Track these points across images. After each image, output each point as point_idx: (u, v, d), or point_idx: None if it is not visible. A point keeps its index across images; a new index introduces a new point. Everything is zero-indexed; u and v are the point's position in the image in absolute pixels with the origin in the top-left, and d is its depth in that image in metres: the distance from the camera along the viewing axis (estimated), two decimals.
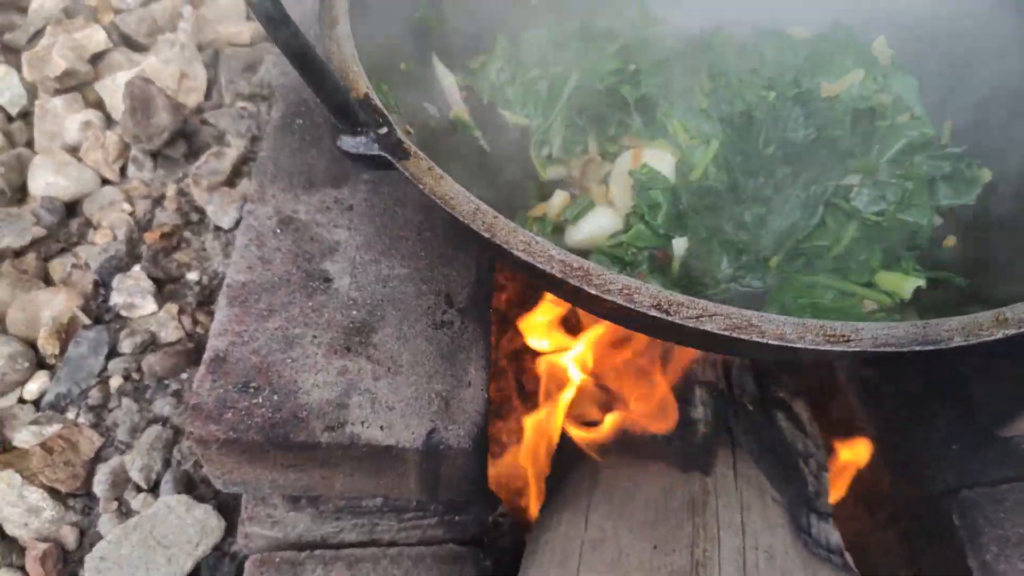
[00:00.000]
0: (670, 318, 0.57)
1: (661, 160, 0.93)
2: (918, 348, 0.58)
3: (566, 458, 1.05)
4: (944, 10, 1.00)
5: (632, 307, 0.58)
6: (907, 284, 0.84)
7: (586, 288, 0.58)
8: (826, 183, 0.93)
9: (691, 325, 0.57)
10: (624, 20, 1.05)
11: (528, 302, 1.35)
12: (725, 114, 0.97)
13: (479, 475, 0.81)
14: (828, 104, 0.96)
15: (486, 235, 0.60)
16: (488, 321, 0.84)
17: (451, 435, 0.74)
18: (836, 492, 1.15)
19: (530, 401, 1.40)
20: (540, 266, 0.59)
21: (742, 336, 0.57)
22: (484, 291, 0.86)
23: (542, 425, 1.24)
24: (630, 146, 0.95)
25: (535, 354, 1.33)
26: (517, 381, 1.45)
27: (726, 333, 0.57)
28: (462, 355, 0.79)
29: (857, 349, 0.57)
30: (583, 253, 0.87)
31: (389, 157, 0.64)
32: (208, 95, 1.44)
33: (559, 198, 0.93)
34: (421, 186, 0.62)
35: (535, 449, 1.25)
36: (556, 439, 1.12)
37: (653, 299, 0.58)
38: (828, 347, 0.57)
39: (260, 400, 0.73)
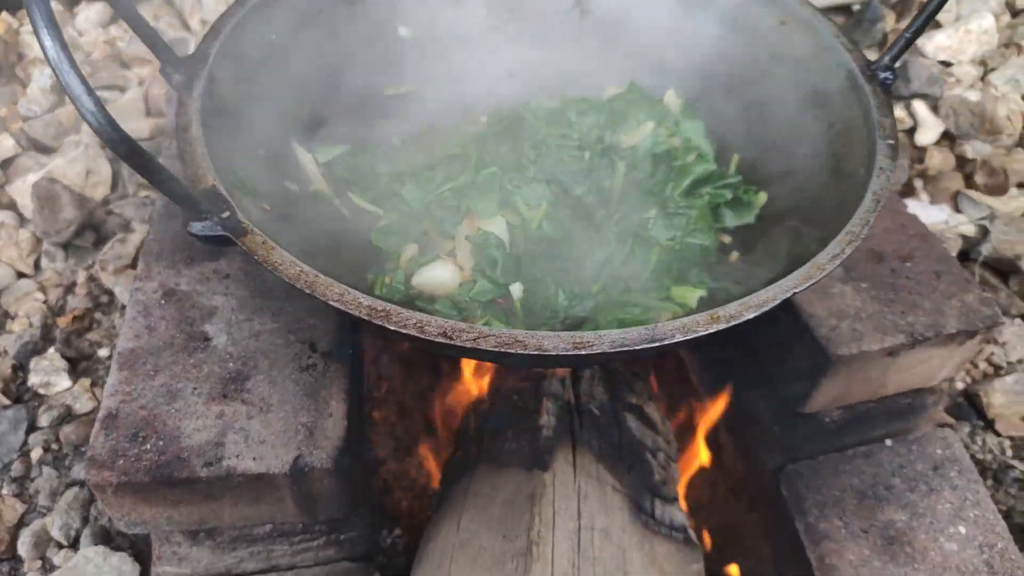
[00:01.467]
0: (454, 342, 0.73)
1: (494, 224, 1.10)
2: (647, 346, 0.74)
3: (449, 476, 1.20)
4: (724, 66, 1.21)
5: (424, 337, 0.73)
6: (693, 295, 1.02)
7: (388, 326, 0.74)
8: (632, 219, 1.12)
9: (470, 346, 0.73)
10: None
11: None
12: (550, 175, 1.15)
13: (349, 492, 0.95)
14: (629, 153, 1.16)
15: (308, 291, 0.75)
16: (348, 360, 0.99)
17: (315, 458, 0.88)
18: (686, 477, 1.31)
19: (432, 435, 1.55)
20: (352, 311, 0.75)
21: (510, 351, 0.73)
22: (345, 336, 1.01)
23: (433, 453, 1.39)
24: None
25: (438, 393, 1.49)
26: (424, 418, 1.59)
27: (497, 349, 0.73)
28: (324, 392, 0.94)
29: (599, 352, 0.73)
30: (432, 299, 1.04)
31: (230, 236, 0.79)
32: (115, 187, 1.58)
33: (409, 250, 1.09)
34: (255, 256, 0.78)
35: (431, 474, 1.40)
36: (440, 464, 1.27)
37: (439, 328, 0.74)
38: (575, 352, 0.73)
39: (148, 447, 0.86)
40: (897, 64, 1.00)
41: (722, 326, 0.77)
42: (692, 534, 1.12)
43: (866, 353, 1.06)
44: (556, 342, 0.74)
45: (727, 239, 1.13)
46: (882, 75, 1.01)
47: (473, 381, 1.35)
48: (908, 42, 0.97)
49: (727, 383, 1.30)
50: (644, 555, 1.00)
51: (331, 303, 0.75)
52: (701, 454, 1.31)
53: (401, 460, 1.53)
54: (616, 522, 1.01)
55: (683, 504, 1.20)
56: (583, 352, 0.74)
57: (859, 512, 1.16)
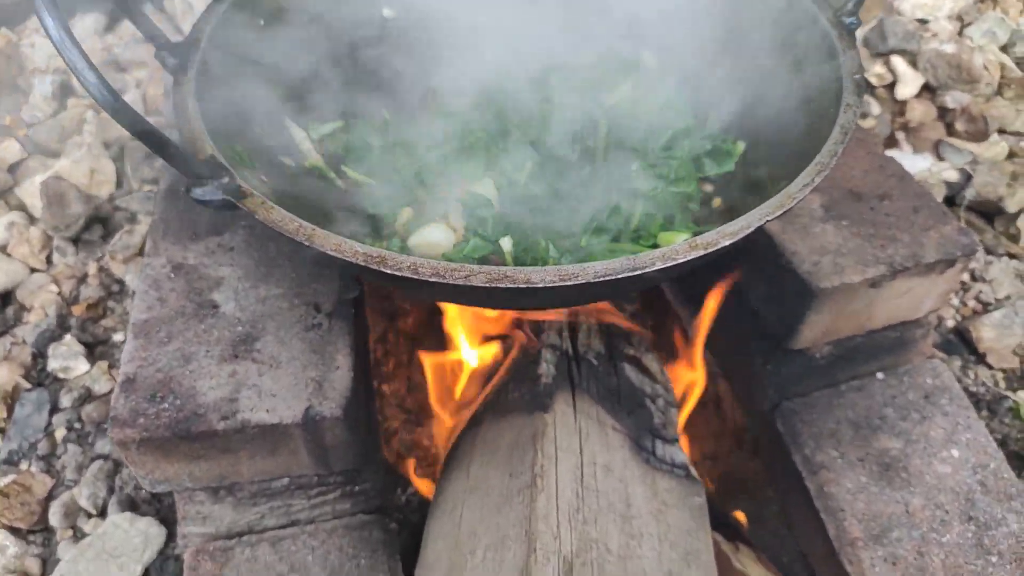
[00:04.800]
0: (447, 280, 0.77)
1: (482, 185, 1.14)
2: (629, 274, 0.78)
3: (461, 433, 1.25)
4: (697, 25, 1.25)
5: (419, 278, 0.78)
6: (679, 238, 1.06)
7: (384, 270, 0.78)
8: (616, 173, 1.16)
9: (462, 283, 0.77)
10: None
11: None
12: (535, 138, 1.20)
13: (359, 442, 0.99)
14: (610, 112, 1.20)
15: (307, 243, 0.80)
16: (351, 319, 1.03)
17: (324, 408, 0.93)
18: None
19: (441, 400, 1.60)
20: (349, 259, 0.79)
21: (500, 285, 0.77)
22: (347, 296, 1.06)
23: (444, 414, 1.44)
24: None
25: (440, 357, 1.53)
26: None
27: (488, 284, 0.77)
28: (330, 348, 0.99)
29: (583, 281, 0.77)
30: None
31: (231, 199, 0.84)
32: (119, 184, 1.63)
33: (404, 214, 1.14)
34: (256, 215, 0.82)
35: (444, 433, 1.44)
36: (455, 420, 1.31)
37: (432, 269, 0.78)
38: (561, 283, 0.77)
39: (166, 406, 0.91)
40: (860, 9, 1.05)
41: (700, 252, 0.80)
42: (693, 471, 1.16)
43: (848, 285, 1.10)
44: (542, 275, 0.78)
45: (709, 187, 1.17)
46: (847, 20, 1.05)
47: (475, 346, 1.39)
48: None
49: (717, 331, 1.33)
50: (646, 488, 1.04)
51: (330, 252, 0.79)
52: (698, 378, 1.34)
53: (412, 430, 1.58)
54: (617, 458, 1.05)
55: (685, 447, 1.24)
56: (569, 283, 0.78)
57: (854, 442, 1.20)
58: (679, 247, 0.81)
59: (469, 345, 1.39)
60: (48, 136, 1.67)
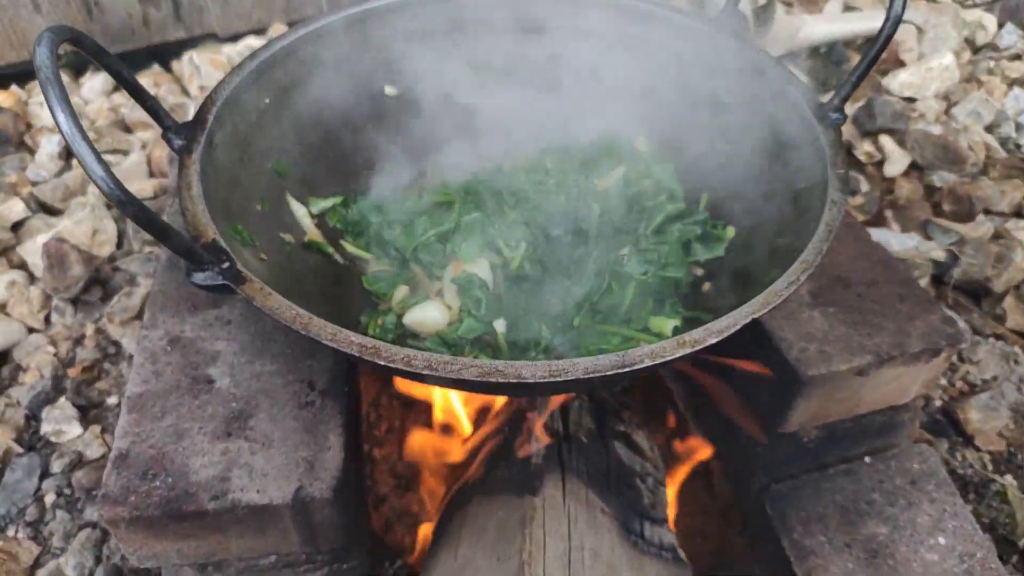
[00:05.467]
0: (439, 373, 0.79)
1: (477, 266, 1.17)
2: (617, 371, 0.80)
3: (448, 509, 1.25)
4: (690, 113, 1.29)
5: (412, 370, 0.79)
6: (668, 325, 1.09)
7: (378, 361, 0.80)
8: (608, 256, 1.19)
9: (455, 376, 0.79)
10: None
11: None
12: (529, 219, 1.23)
13: (349, 522, 1.00)
14: (603, 196, 1.24)
15: (303, 332, 0.82)
16: (344, 397, 1.05)
17: (315, 489, 0.93)
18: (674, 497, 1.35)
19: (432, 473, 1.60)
20: (344, 349, 0.81)
21: (491, 379, 0.79)
22: (340, 374, 1.07)
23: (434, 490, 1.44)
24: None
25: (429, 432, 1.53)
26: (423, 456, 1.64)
27: (480, 379, 0.79)
28: (323, 427, 1.00)
29: (573, 378, 0.79)
30: (422, 337, 1.11)
31: (230, 284, 0.86)
32: (120, 245, 1.66)
33: (400, 292, 1.16)
34: (254, 302, 0.84)
35: (431, 510, 1.44)
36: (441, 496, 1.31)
37: (425, 361, 0.79)
38: (551, 379, 0.79)
39: (157, 483, 0.92)
40: (846, 104, 1.09)
41: (688, 351, 0.83)
42: (681, 553, 1.17)
43: (835, 373, 1.12)
44: (533, 370, 0.79)
45: (699, 271, 1.20)
46: (833, 116, 1.09)
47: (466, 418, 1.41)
48: (853, 85, 1.05)
49: (709, 411, 1.35)
50: (634, 573, 1.04)
51: (325, 342, 0.81)
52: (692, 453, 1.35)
53: (402, 496, 1.57)
54: (605, 542, 1.06)
55: (672, 527, 1.24)
56: (559, 379, 0.79)
57: (842, 527, 1.21)
58: (667, 344, 0.83)
59: (460, 415, 1.40)
60: (52, 195, 1.70)
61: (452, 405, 1.37)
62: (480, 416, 1.39)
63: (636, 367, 0.81)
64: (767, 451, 1.26)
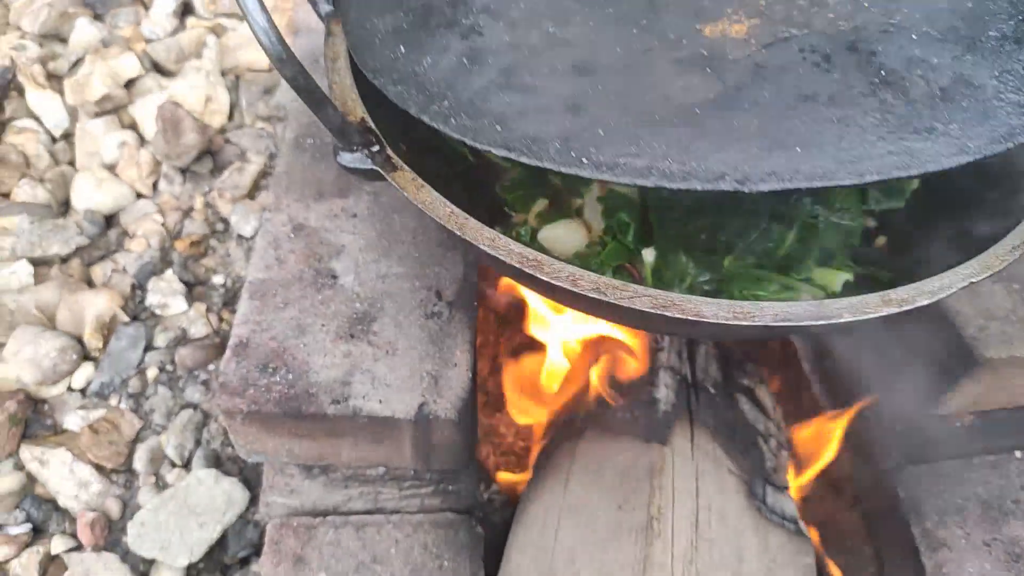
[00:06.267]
0: (607, 298, 0.70)
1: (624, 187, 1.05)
2: (811, 323, 0.70)
3: (552, 439, 1.18)
4: None
5: (577, 290, 0.70)
6: (837, 278, 0.96)
7: (539, 276, 0.71)
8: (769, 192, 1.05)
9: (624, 304, 0.69)
10: None
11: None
12: None
13: (465, 445, 0.93)
14: None
15: (458, 233, 0.73)
16: (473, 312, 0.97)
17: (439, 407, 0.87)
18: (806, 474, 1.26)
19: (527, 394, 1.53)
20: (503, 258, 0.72)
21: (666, 313, 0.69)
22: (470, 286, 0.99)
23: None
24: None
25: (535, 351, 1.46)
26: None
27: (653, 311, 0.69)
28: (449, 341, 0.92)
29: (760, 324, 0.69)
30: (558, 257, 1.00)
31: (380, 170, 0.77)
32: (231, 116, 1.58)
33: (540, 205, 1.06)
34: (406, 194, 0.75)
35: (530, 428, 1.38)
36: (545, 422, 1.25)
37: (593, 283, 0.70)
38: (735, 322, 0.69)
39: (277, 379, 0.86)
40: None
41: (894, 309, 0.71)
42: (803, 526, 1.08)
43: (1016, 359, 0.99)
44: (715, 309, 0.69)
45: (872, 222, 1.06)
46: None
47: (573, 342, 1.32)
48: None
49: (839, 374, 1.23)
50: (759, 541, 0.96)
51: (483, 247, 0.72)
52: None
53: (492, 415, 1.52)
54: (732, 505, 0.97)
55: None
56: (743, 323, 0.69)
57: (982, 523, 1.10)
58: (870, 299, 0.72)
59: (559, 340, 1.32)
60: (166, 55, 1.63)
61: (566, 327, 1.29)
62: (591, 346, 1.31)
63: (833, 320, 0.70)
64: (909, 428, 1.15)
